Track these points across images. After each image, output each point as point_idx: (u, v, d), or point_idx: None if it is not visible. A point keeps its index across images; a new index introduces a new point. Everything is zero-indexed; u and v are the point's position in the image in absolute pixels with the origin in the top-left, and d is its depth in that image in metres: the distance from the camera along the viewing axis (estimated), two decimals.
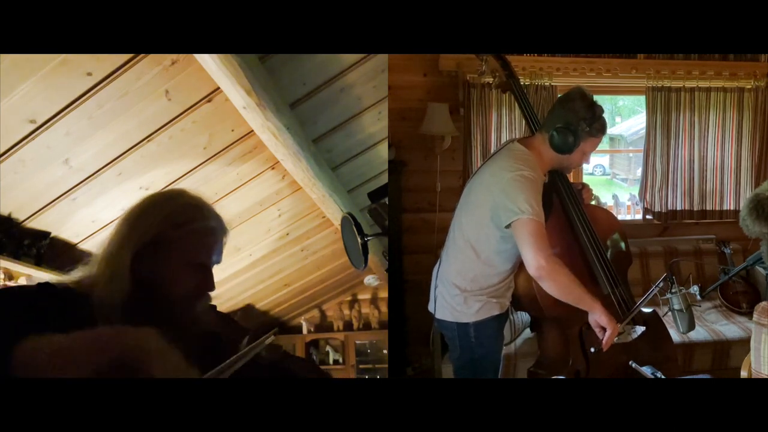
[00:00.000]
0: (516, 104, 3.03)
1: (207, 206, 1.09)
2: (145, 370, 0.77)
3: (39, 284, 0.95)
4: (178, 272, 1.01)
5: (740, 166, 3.37)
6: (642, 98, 3.34)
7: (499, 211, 1.73)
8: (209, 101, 2.21)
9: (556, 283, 1.70)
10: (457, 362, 1.94)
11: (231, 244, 1.18)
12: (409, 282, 3.07)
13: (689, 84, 3.26)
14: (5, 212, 2.31)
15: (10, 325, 0.82)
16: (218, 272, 1.11)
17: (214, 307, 1.11)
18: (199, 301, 1.04)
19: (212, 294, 1.09)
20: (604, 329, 1.75)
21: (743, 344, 2.63)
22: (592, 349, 1.81)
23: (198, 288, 1.04)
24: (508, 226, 1.71)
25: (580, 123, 1.77)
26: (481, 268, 1.83)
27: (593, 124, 1.78)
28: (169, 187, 1.09)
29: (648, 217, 3.42)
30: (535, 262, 1.66)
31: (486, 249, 1.81)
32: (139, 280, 0.97)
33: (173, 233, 1.01)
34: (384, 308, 5.54)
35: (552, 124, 1.79)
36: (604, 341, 1.75)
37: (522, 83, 2.07)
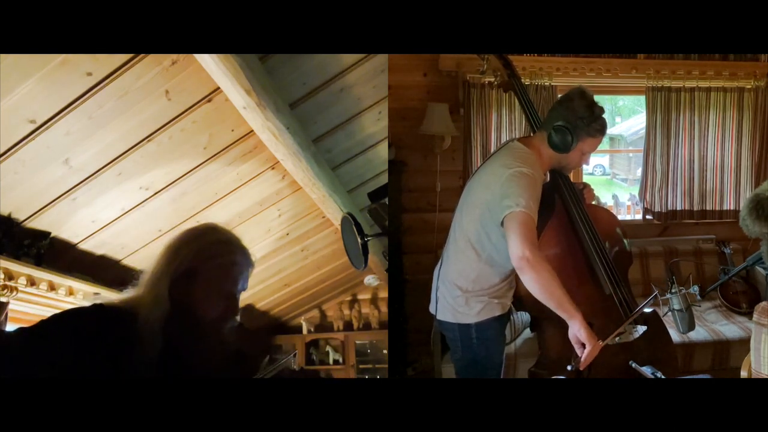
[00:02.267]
0: (516, 104, 3.05)
1: (235, 241, 1.23)
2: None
3: (93, 305, 1.08)
4: (207, 300, 1.14)
5: (740, 166, 3.37)
6: (642, 98, 3.34)
7: (495, 207, 1.72)
8: (209, 101, 2.21)
9: (537, 277, 1.60)
10: (459, 363, 1.94)
11: None
12: (409, 282, 3.07)
13: (689, 84, 3.26)
14: (5, 212, 2.30)
15: (71, 343, 0.96)
16: None
17: (241, 324, 1.24)
18: (226, 324, 1.17)
19: None
20: (583, 345, 1.62)
21: (743, 344, 2.62)
22: (569, 367, 1.66)
23: (225, 313, 1.16)
24: (502, 223, 1.70)
25: (578, 122, 1.76)
26: (482, 268, 1.82)
27: (592, 123, 1.78)
28: (203, 222, 1.31)
29: (648, 217, 3.42)
30: (519, 251, 1.59)
31: (487, 248, 1.81)
32: (176, 304, 1.11)
33: (204, 266, 1.15)
34: (384, 308, 5.53)
35: (551, 122, 1.79)
36: (582, 358, 1.61)
37: (522, 83, 2.07)
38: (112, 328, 1.03)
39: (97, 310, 1.07)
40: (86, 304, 1.09)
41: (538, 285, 1.62)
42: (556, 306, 1.64)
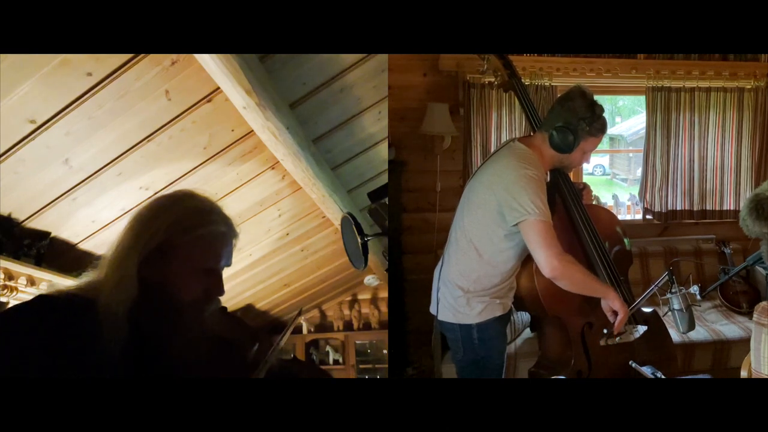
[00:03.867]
0: (516, 104, 3.05)
1: (216, 209, 1.08)
2: None
3: (35, 298, 0.93)
4: (186, 278, 1.00)
5: (740, 166, 3.37)
6: (642, 98, 3.34)
7: (504, 210, 1.73)
8: (209, 101, 2.21)
9: (571, 280, 1.74)
10: (460, 364, 1.94)
11: None
12: (409, 282, 3.07)
13: (689, 84, 3.26)
14: (5, 212, 2.30)
15: (14, 347, 0.84)
16: None
17: (225, 309, 1.10)
18: (208, 306, 1.04)
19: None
20: (615, 313, 1.77)
21: (743, 344, 2.63)
22: (605, 330, 1.83)
23: (207, 293, 1.03)
24: (515, 225, 1.71)
25: (580, 122, 1.76)
26: (484, 268, 1.82)
27: (593, 123, 1.78)
28: (177, 188, 1.11)
29: (648, 217, 3.42)
30: (548, 263, 1.67)
31: (489, 249, 1.81)
32: (146, 285, 0.96)
33: (181, 239, 0.99)
34: (384, 308, 5.53)
35: (552, 123, 1.79)
36: (615, 324, 1.77)
37: (522, 83, 2.07)
38: (62, 320, 0.88)
39: (40, 303, 0.91)
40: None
41: (574, 286, 1.77)
42: (591, 292, 1.80)
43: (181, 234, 1.00)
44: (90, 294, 0.94)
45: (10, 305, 2.30)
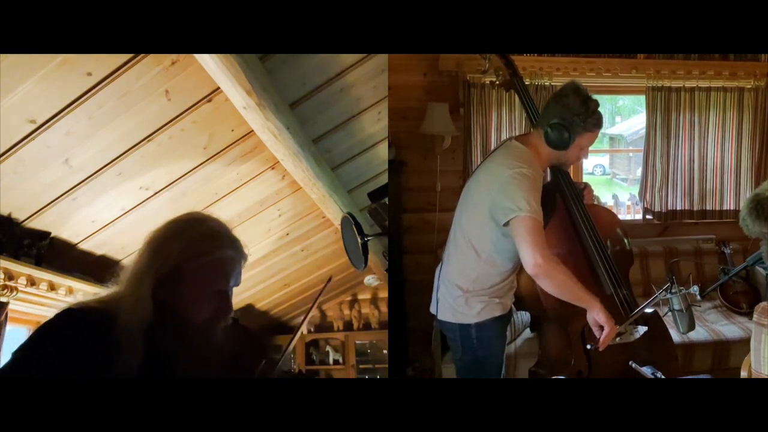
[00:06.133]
0: (516, 103, 3.05)
1: (225, 234, 1.14)
2: None
3: (64, 312, 0.98)
4: (197, 300, 1.06)
5: (740, 166, 3.37)
6: (642, 98, 3.34)
7: (497, 209, 1.73)
8: (209, 101, 2.21)
9: (554, 281, 1.69)
10: (459, 363, 1.94)
11: None
12: (409, 282, 3.07)
13: (689, 84, 3.26)
14: (5, 212, 2.30)
15: (45, 360, 0.90)
16: None
17: (236, 320, 1.16)
18: (219, 324, 1.09)
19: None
20: (601, 328, 1.71)
21: (743, 344, 2.62)
22: (589, 346, 1.80)
23: (217, 313, 1.08)
24: (506, 224, 1.71)
25: (575, 118, 1.75)
26: (482, 268, 1.82)
27: (588, 119, 1.77)
28: (189, 211, 1.19)
29: (648, 217, 3.42)
30: (532, 260, 1.64)
31: (487, 248, 1.81)
32: (160, 305, 1.02)
33: (191, 264, 1.06)
34: (384, 308, 5.53)
35: (547, 119, 1.79)
36: (601, 340, 1.71)
37: (524, 82, 2.07)
38: (87, 333, 0.94)
39: (68, 316, 0.97)
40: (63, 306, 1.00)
41: (556, 288, 1.71)
42: (574, 300, 1.72)
43: (193, 259, 1.06)
44: (110, 310, 0.99)
45: (9, 303, 2.31)
